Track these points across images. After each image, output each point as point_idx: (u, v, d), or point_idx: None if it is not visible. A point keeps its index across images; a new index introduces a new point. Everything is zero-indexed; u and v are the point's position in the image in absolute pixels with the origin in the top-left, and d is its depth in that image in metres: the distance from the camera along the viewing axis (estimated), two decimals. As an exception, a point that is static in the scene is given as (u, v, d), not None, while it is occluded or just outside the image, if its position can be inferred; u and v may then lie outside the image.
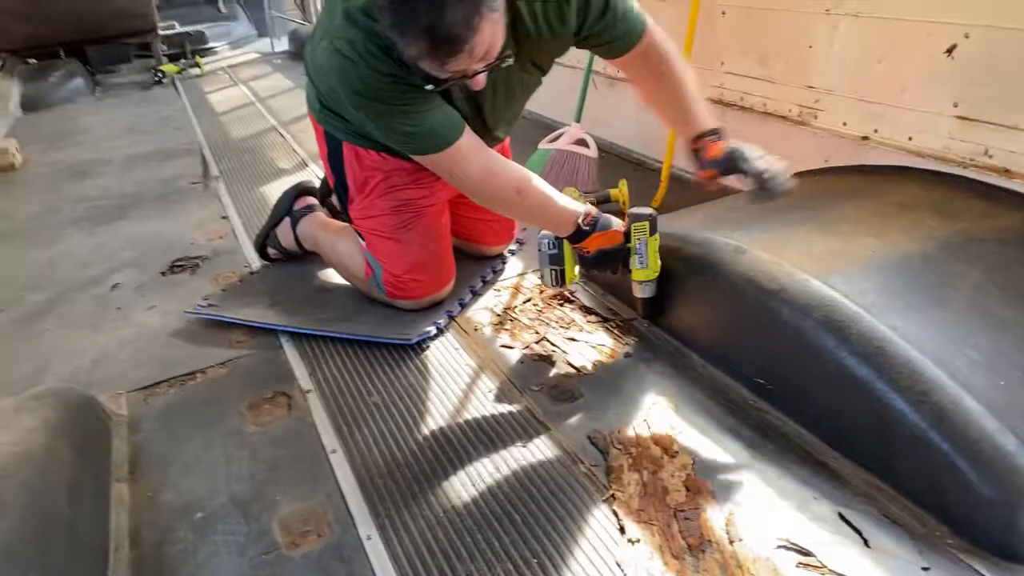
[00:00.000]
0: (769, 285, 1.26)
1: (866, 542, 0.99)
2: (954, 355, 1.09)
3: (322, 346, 1.57)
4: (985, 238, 1.34)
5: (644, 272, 1.42)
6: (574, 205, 1.40)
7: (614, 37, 1.35)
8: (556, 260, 1.47)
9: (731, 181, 1.36)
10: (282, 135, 3.33)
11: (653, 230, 1.39)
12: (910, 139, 1.67)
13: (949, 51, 1.54)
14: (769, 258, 1.31)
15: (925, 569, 0.95)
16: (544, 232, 1.46)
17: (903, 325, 1.13)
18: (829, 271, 1.24)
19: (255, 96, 4.26)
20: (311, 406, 1.38)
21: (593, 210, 1.41)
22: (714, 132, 1.39)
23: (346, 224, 1.82)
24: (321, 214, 1.87)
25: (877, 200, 1.48)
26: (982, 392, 1.03)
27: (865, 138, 1.78)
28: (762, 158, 1.33)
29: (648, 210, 1.40)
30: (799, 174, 1.79)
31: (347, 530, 1.09)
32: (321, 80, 1.46)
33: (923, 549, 0.98)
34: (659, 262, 1.42)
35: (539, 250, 1.48)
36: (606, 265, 1.43)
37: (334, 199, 2.03)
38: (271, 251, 1.91)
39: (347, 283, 1.77)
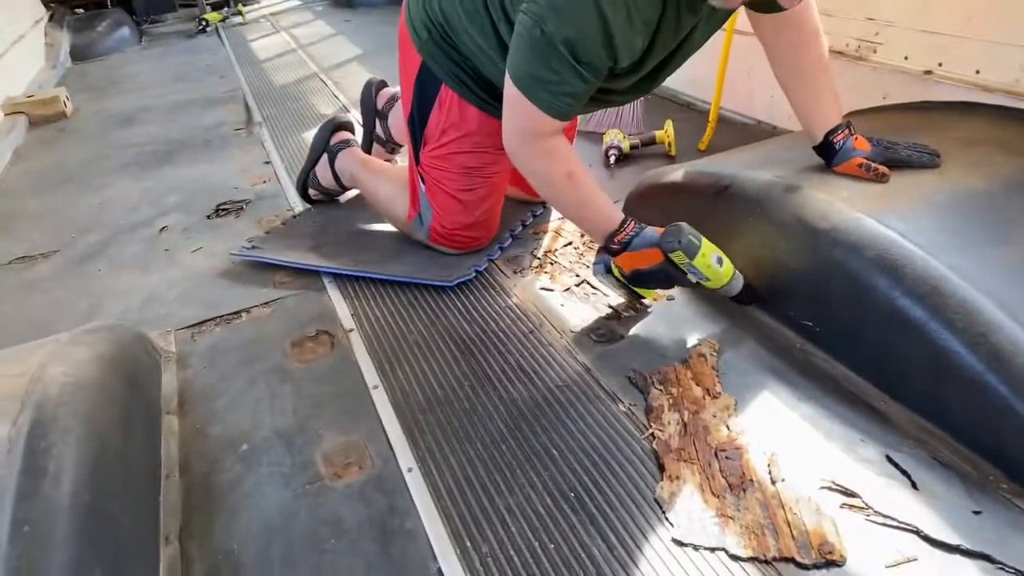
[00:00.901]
0: (820, 224, 1.21)
1: (914, 484, 0.97)
2: (1017, 296, 1.03)
3: (364, 287, 1.58)
4: (1055, 175, 1.26)
5: (712, 283, 1.27)
6: (616, 215, 1.29)
7: None
8: (618, 283, 1.35)
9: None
10: (324, 81, 3.31)
11: (691, 251, 1.22)
12: (977, 72, 1.58)
13: (1024, -25, 1.44)
14: (821, 196, 1.26)
15: (976, 512, 0.92)
16: (597, 259, 1.36)
17: (962, 264, 1.07)
18: (883, 209, 1.19)
19: (297, 43, 4.25)
20: (353, 344, 1.40)
21: (631, 225, 1.28)
22: (848, 125, 1.33)
23: (386, 164, 1.81)
24: (358, 150, 1.85)
25: (940, 136, 1.40)
26: (1046, 334, 0.98)
27: (928, 72, 1.68)
28: (909, 145, 1.33)
29: (679, 230, 1.22)
30: (856, 113, 1.72)
31: (388, 463, 1.11)
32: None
33: (975, 493, 0.95)
34: (725, 266, 1.25)
35: (594, 275, 1.38)
36: (652, 284, 1.32)
37: (379, 130, 2.02)
38: (312, 192, 1.92)
39: (387, 225, 1.77)
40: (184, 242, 1.89)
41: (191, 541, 1.02)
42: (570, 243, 1.68)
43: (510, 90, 1.21)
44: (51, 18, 4.84)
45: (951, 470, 0.98)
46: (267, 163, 2.38)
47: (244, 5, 5.51)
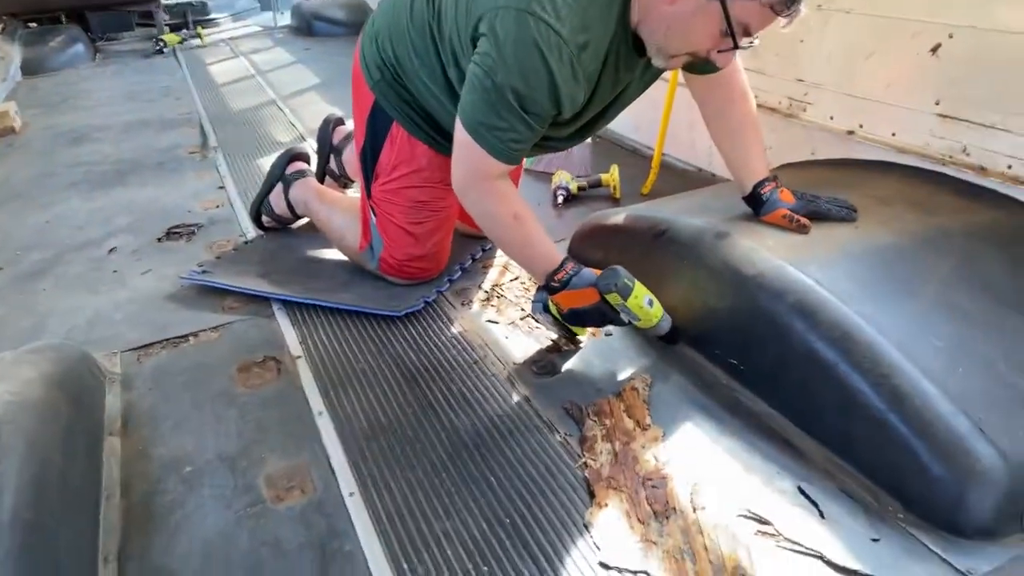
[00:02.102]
0: (746, 269, 1.31)
1: (821, 514, 1.05)
2: (917, 342, 1.13)
3: (313, 314, 1.61)
4: (957, 233, 1.38)
5: (643, 323, 1.34)
6: (556, 256, 1.35)
7: None
8: (556, 322, 1.40)
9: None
10: (281, 109, 3.35)
11: (625, 293, 1.28)
12: (893, 135, 1.72)
13: (934, 50, 1.58)
14: (748, 244, 1.36)
15: (875, 540, 1.00)
16: (536, 297, 1.40)
17: (871, 312, 1.17)
18: (804, 258, 1.29)
19: (255, 69, 4.27)
20: (300, 371, 1.43)
21: (571, 265, 1.33)
22: (775, 178, 1.44)
23: (340, 195, 1.86)
24: (313, 180, 1.90)
25: (858, 192, 1.52)
26: (940, 378, 1.08)
27: (851, 132, 1.82)
28: (830, 199, 1.43)
29: (612, 277, 1.29)
30: (786, 166, 1.85)
31: (330, 487, 1.14)
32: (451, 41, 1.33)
33: (875, 522, 1.03)
34: (655, 307, 1.33)
35: (534, 311, 1.42)
36: (587, 322, 1.38)
37: (333, 164, 2.08)
38: (265, 219, 1.95)
39: (339, 254, 1.81)
40: (133, 264, 1.89)
41: (130, 561, 1.03)
42: (517, 278, 1.74)
43: (461, 135, 1.27)
44: (2, 31, 4.77)
45: (855, 501, 1.07)
46: (221, 188, 2.40)
47: (203, 28, 5.51)
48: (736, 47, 1.14)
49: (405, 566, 1.00)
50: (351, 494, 1.12)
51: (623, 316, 1.32)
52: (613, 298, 1.29)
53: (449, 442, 1.22)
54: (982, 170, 1.54)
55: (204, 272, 1.76)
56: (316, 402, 1.33)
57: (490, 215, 1.36)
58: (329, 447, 1.22)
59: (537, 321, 1.48)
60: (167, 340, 1.55)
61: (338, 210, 1.76)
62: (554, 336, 1.48)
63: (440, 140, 1.51)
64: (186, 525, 1.09)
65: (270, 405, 1.34)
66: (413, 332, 1.54)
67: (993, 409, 1.05)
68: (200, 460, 1.21)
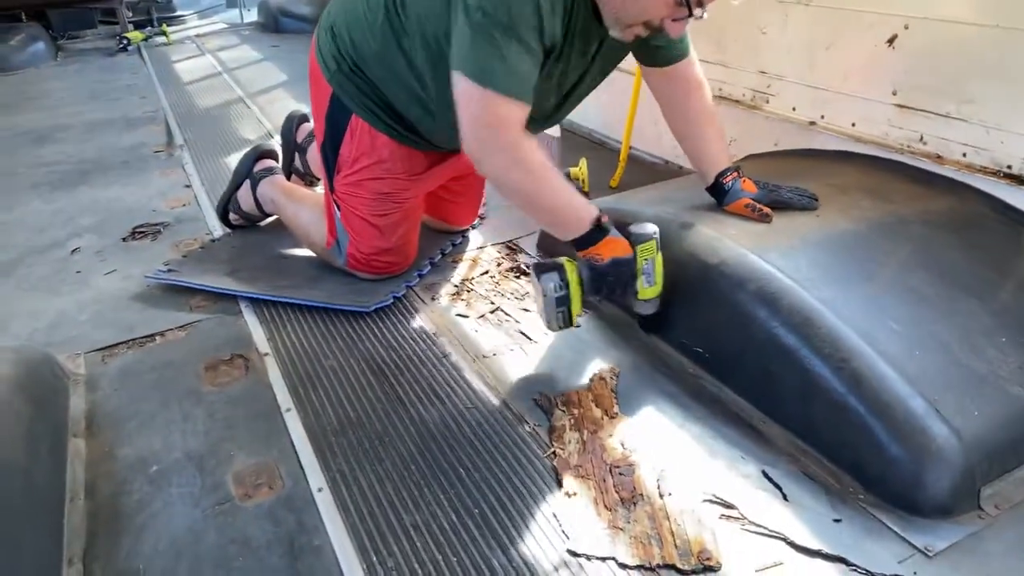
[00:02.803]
0: (710, 258, 1.33)
1: (785, 497, 1.07)
2: (875, 326, 1.16)
3: (281, 312, 1.61)
4: (914, 220, 1.41)
5: (651, 290, 1.31)
6: (590, 205, 1.29)
7: (668, 40, 1.38)
8: (563, 301, 1.29)
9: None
10: (248, 106, 3.32)
11: (658, 247, 1.28)
12: (853, 125, 1.75)
13: (890, 41, 1.61)
14: (711, 233, 1.38)
15: (836, 521, 1.02)
16: (546, 275, 1.28)
17: (831, 297, 1.20)
18: (765, 246, 1.31)
19: (222, 66, 4.22)
20: (268, 368, 1.42)
21: (604, 214, 1.29)
22: (737, 168, 1.46)
23: (308, 191, 1.85)
24: (281, 177, 1.89)
25: (819, 182, 1.55)
26: (897, 360, 1.10)
27: (812, 123, 1.85)
28: (791, 188, 1.45)
29: (651, 228, 1.29)
30: (750, 157, 1.87)
31: (298, 483, 1.14)
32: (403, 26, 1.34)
33: (836, 503, 1.05)
34: (664, 277, 1.32)
35: (544, 295, 1.28)
36: (614, 283, 1.29)
37: (298, 163, 2.07)
38: (233, 217, 1.93)
39: (306, 251, 1.80)
40: (97, 264, 1.86)
41: (95, 563, 1.02)
42: (486, 272, 1.75)
43: (466, 88, 1.20)
44: (-41, 29, 4.66)
45: (817, 483, 1.09)
46: (187, 186, 2.37)
47: (168, 25, 5.43)
48: (691, 15, 1.17)
49: (374, 558, 1.00)
50: (320, 489, 1.12)
51: (643, 278, 1.29)
52: (648, 249, 1.27)
53: (418, 435, 1.22)
54: (938, 158, 1.58)
55: (170, 271, 1.74)
56: (284, 399, 1.33)
57: (523, 171, 1.23)
58: (297, 443, 1.22)
59: (511, 312, 1.48)
60: (133, 340, 1.53)
61: (305, 207, 1.75)
62: (529, 328, 1.48)
63: (400, 130, 1.51)
64: (153, 525, 1.08)
65: (238, 403, 1.33)
66: (382, 327, 1.54)
67: (948, 390, 1.08)
68: (167, 459, 1.20)
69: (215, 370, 1.42)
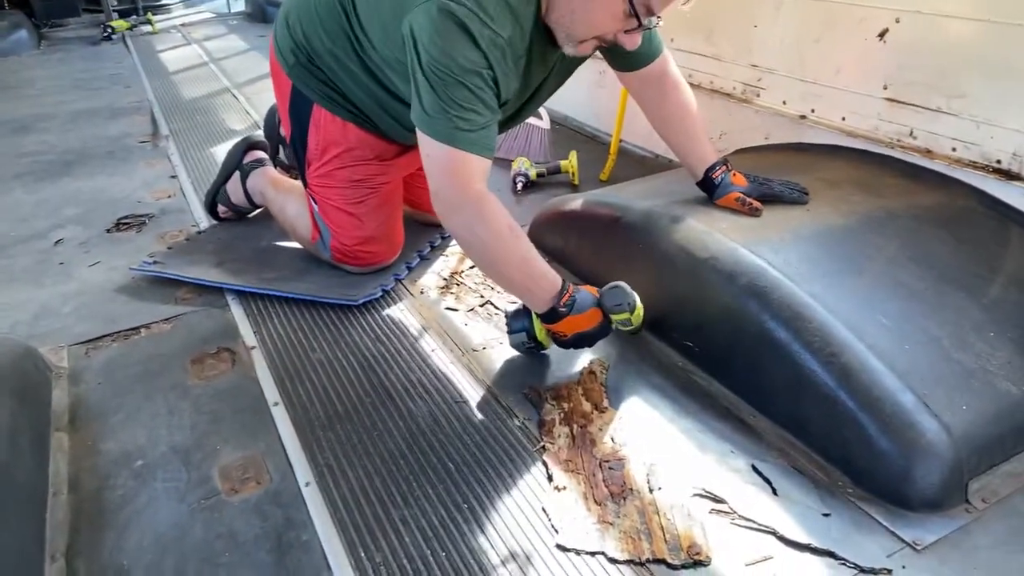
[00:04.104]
0: (700, 253, 1.32)
1: (775, 491, 1.07)
2: (865, 320, 1.16)
3: (268, 305, 1.59)
4: (903, 214, 1.42)
5: (629, 329, 1.33)
6: (555, 276, 1.26)
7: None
8: (532, 349, 1.36)
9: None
10: (235, 97, 3.28)
11: (633, 310, 1.27)
12: (843, 119, 1.75)
13: (881, 35, 1.61)
14: (702, 227, 1.37)
15: (826, 515, 1.02)
16: (514, 335, 1.33)
17: (821, 292, 1.20)
18: (756, 240, 1.31)
19: (208, 56, 4.17)
20: (255, 361, 1.40)
21: (570, 287, 1.26)
22: (725, 162, 1.46)
23: (295, 183, 1.83)
24: (271, 169, 1.87)
25: (809, 176, 1.55)
26: (887, 354, 1.10)
27: (803, 117, 1.85)
28: (782, 182, 1.46)
29: (623, 292, 1.26)
30: (740, 151, 1.87)
31: (286, 477, 1.13)
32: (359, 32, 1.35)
33: (825, 497, 1.05)
34: (641, 308, 1.31)
35: (512, 344, 1.36)
36: (584, 345, 1.31)
37: (283, 155, 2.05)
38: (221, 209, 1.91)
39: (294, 243, 1.78)
40: (81, 256, 1.84)
41: (79, 558, 1.00)
42: (475, 265, 1.74)
43: (429, 148, 1.20)
44: (-60, 16, 4.58)
45: (807, 477, 1.09)
46: (173, 177, 2.34)
47: (153, 14, 5.36)
48: (640, 26, 1.16)
49: (362, 554, 0.99)
50: (307, 484, 1.11)
51: (618, 325, 1.30)
52: (622, 319, 1.27)
53: (407, 429, 1.21)
54: (928, 153, 1.58)
55: (155, 263, 1.72)
56: (271, 392, 1.31)
57: (487, 229, 1.21)
58: (285, 437, 1.21)
59: (503, 305, 1.48)
60: (117, 333, 1.51)
61: (291, 200, 1.73)
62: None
63: (363, 116, 1.49)
64: (137, 520, 1.06)
65: (224, 396, 1.31)
66: (370, 320, 1.53)
67: (937, 384, 1.08)
68: (152, 454, 1.18)
69: (201, 363, 1.41)
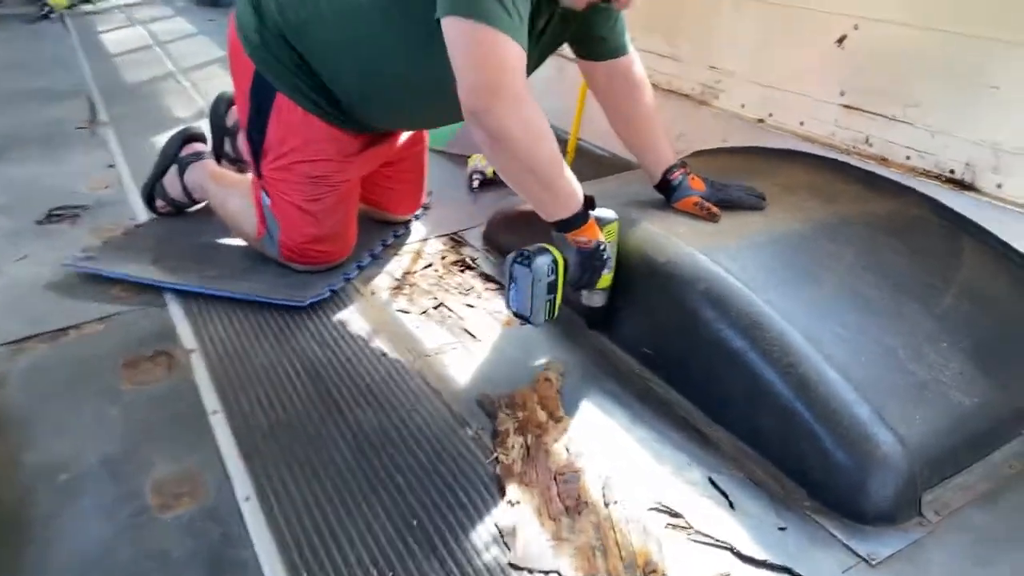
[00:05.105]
0: (658, 257, 1.30)
1: (731, 504, 1.05)
2: (822, 330, 1.15)
3: (210, 305, 1.51)
4: (858, 222, 1.42)
5: (607, 278, 1.30)
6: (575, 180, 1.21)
7: (609, 31, 1.37)
8: (553, 287, 1.22)
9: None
10: (180, 82, 3.15)
11: (617, 235, 1.28)
12: (801, 124, 1.75)
13: (840, 41, 1.61)
14: (659, 231, 1.35)
15: (782, 529, 1.01)
16: (540, 258, 1.20)
17: (778, 300, 1.18)
18: (714, 246, 1.29)
19: (154, 39, 4.01)
20: (193, 366, 1.33)
21: None
22: (683, 164, 1.43)
23: (238, 177, 1.75)
24: (211, 162, 1.79)
25: (766, 181, 1.54)
26: (844, 365, 1.09)
27: (761, 121, 1.84)
28: (739, 187, 1.44)
29: (611, 212, 1.28)
30: (697, 153, 1.85)
31: (224, 492, 1.06)
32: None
33: (782, 511, 1.04)
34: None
35: (536, 281, 1.20)
36: (598, 268, 1.25)
37: (228, 148, 1.96)
38: (160, 204, 1.82)
39: (237, 240, 1.70)
40: (8, 249, 1.73)
41: (-7, 582, 0.93)
42: (430, 265, 1.69)
43: (459, 26, 1.08)
44: None
45: (763, 490, 1.08)
46: (111, 167, 2.23)
47: (96, -7, 5.14)
48: None
49: (304, 573, 0.94)
50: (247, 499, 1.05)
51: (605, 266, 1.27)
52: (611, 232, 1.27)
53: (355, 441, 1.16)
54: (884, 160, 1.59)
55: (89, 258, 1.63)
56: (210, 400, 1.24)
57: (525, 123, 1.11)
58: (224, 449, 1.14)
59: (455, 307, 1.43)
60: (45, 333, 1.42)
61: (235, 194, 1.65)
62: (472, 325, 1.42)
63: (330, 109, 1.43)
64: (60, 538, 0.99)
65: (160, 404, 1.24)
66: (318, 323, 1.47)
67: (893, 396, 1.08)
68: (79, 466, 1.11)
69: (135, 367, 1.33)
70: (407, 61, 1.32)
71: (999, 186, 1.44)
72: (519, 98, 1.10)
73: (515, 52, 1.10)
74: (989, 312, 1.27)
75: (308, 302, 1.50)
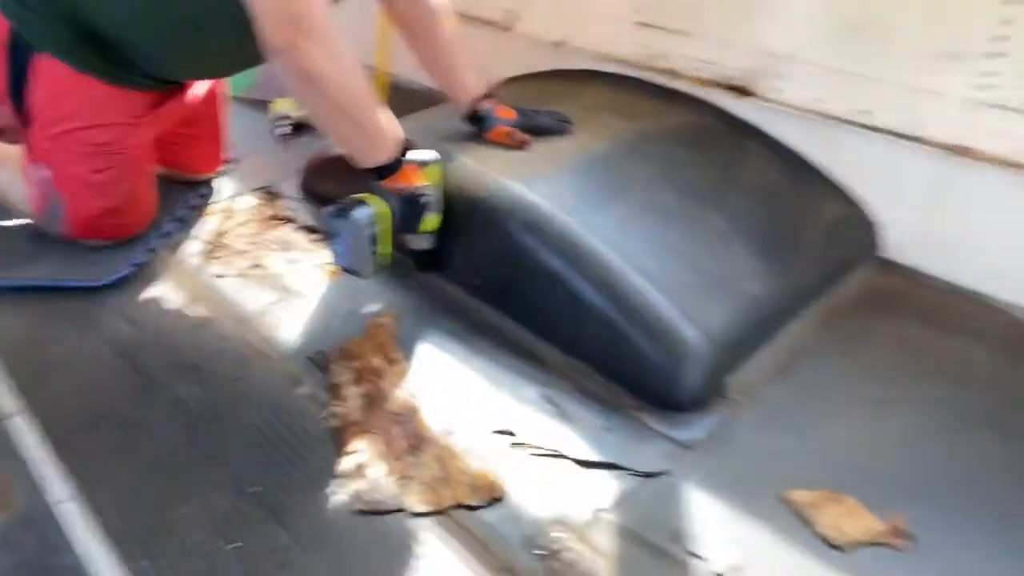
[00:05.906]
0: (478, 192, 1.31)
1: (563, 415, 1.12)
2: (630, 244, 1.23)
3: (-7, 297, 1.35)
4: (657, 137, 1.50)
5: (434, 220, 1.28)
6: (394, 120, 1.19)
7: None
8: (376, 239, 1.19)
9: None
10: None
11: (441, 176, 1.27)
12: (599, 45, 1.80)
13: (630, -41, 1.66)
14: (475, 166, 1.36)
15: (608, 429, 1.09)
16: (358, 210, 1.16)
17: (591, 220, 1.25)
18: (529, 175, 1.32)
19: None
20: (-19, 368, 1.20)
21: None
22: (490, 94, 1.41)
23: (8, 149, 1.55)
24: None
25: (571, 104, 1.58)
26: (651, 273, 1.18)
27: (560, 43, 1.88)
28: (546, 113, 1.46)
29: (431, 153, 1.26)
30: (505, 81, 1.87)
31: (35, 497, 0.98)
32: None
33: (609, 413, 1.12)
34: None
35: (356, 235, 1.16)
36: (412, 215, 1.23)
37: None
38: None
39: (17, 220, 1.52)
40: None
41: None
42: (244, 223, 1.60)
43: None
44: None
45: (590, 397, 1.15)
46: None
47: None
48: None
49: (144, 563, 0.90)
50: (61, 501, 0.97)
51: (428, 209, 1.26)
52: (434, 174, 1.25)
53: (182, 417, 1.10)
54: (676, 74, 1.68)
55: None
56: (7, 402, 1.13)
57: (334, 60, 1.07)
58: (32, 451, 1.04)
59: (272, 265, 1.38)
60: None
61: (5, 168, 1.46)
62: (298, 281, 1.38)
63: (106, 66, 1.31)
64: None
65: (-55, 415, 1.11)
66: (124, 301, 1.36)
67: (694, 294, 1.18)
68: None
69: (-93, 379, 1.17)
70: None
71: (776, 91, 1.57)
72: (325, 33, 1.06)
73: None
74: (769, 207, 1.41)
75: (105, 282, 1.37)
